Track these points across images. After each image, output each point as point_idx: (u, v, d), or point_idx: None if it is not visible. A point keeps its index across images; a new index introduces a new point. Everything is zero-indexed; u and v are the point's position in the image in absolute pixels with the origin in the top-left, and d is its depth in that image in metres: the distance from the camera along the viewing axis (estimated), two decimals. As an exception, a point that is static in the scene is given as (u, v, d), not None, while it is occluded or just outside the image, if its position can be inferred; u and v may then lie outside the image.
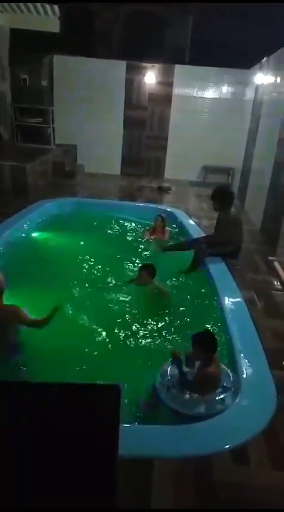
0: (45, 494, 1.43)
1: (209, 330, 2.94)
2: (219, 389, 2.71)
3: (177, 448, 2.24)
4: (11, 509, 1.38)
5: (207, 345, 2.70)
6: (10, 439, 1.37)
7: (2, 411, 1.35)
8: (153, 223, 5.90)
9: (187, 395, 2.66)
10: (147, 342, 3.42)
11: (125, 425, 2.31)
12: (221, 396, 2.66)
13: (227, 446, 2.26)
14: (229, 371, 2.90)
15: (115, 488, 1.44)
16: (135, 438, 2.17)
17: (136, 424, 2.49)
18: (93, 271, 4.65)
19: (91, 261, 4.83)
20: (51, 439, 1.39)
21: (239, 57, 8.64)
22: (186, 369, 2.81)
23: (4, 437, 1.37)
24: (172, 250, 5.07)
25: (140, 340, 3.44)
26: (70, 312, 3.67)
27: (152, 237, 5.71)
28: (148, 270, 4.02)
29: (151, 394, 2.73)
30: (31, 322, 2.94)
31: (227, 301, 3.83)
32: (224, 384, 2.75)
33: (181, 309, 3.94)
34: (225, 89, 9.80)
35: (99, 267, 4.74)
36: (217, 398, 2.65)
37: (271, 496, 2.03)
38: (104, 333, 3.48)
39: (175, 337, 3.47)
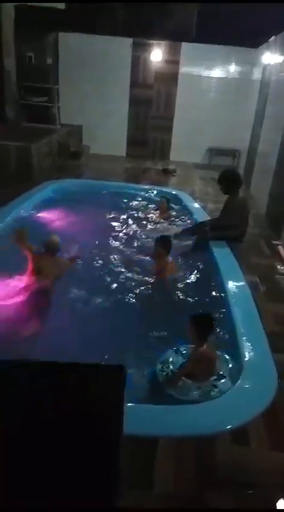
0: (48, 474, 1.48)
1: (208, 313, 2.90)
2: (214, 377, 2.71)
3: (180, 428, 2.30)
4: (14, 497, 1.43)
5: (203, 328, 2.72)
6: (14, 417, 1.41)
7: (6, 390, 1.39)
8: (158, 204, 6.16)
9: (181, 382, 2.68)
10: (148, 324, 3.46)
11: (129, 404, 2.37)
12: (216, 383, 2.67)
13: (228, 427, 2.32)
14: (227, 357, 2.92)
15: (120, 465, 1.50)
16: (139, 417, 2.23)
17: (139, 404, 2.55)
18: (97, 250, 4.69)
19: (96, 241, 4.90)
20: (56, 417, 1.43)
21: (246, 35, 8.42)
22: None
23: (8, 414, 1.41)
24: (182, 236, 5.03)
25: (141, 322, 3.49)
26: (74, 291, 3.74)
27: (156, 215, 5.96)
28: (163, 242, 4.11)
29: (152, 378, 2.77)
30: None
31: (231, 285, 3.86)
32: (221, 372, 2.76)
33: (184, 291, 3.98)
34: (232, 68, 9.60)
35: (104, 246, 4.81)
36: (211, 384, 2.67)
37: (270, 476, 2.10)
38: (107, 314, 3.54)
39: (177, 320, 3.51)
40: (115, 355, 2.94)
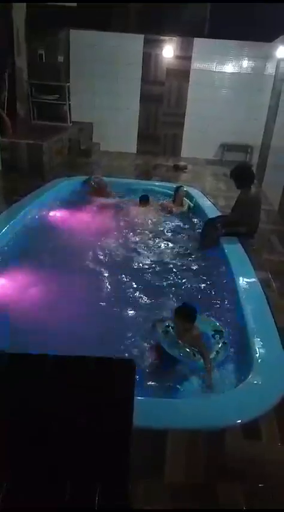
0: (61, 464, 1.49)
1: (186, 302, 3.12)
2: (216, 336, 3.08)
3: (190, 421, 2.31)
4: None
5: (184, 316, 2.93)
6: (29, 409, 1.43)
7: (20, 383, 1.42)
8: (172, 195, 6.28)
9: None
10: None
11: (139, 398, 2.37)
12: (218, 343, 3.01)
13: (239, 421, 2.32)
14: (217, 323, 3.24)
15: (129, 457, 1.50)
16: (150, 410, 2.23)
17: (150, 397, 2.56)
18: (111, 244, 4.78)
19: (109, 235, 5.01)
20: (69, 409, 1.45)
21: (260, 29, 8.29)
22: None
23: (23, 407, 1.43)
24: (208, 246, 4.77)
25: (148, 315, 3.49)
26: (84, 284, 3.85)
27: (173, 208, 6.06)
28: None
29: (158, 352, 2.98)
30: None
31: (242, 281, 3.82)
32: (216, 329, 3.11)
33: (194, 286, 3.97)
34: (245, 63, 9.49)
35: (117, 238, 4.97)
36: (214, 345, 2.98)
37: (280, 470, 2.09)
38: (115, 305, 3.61)
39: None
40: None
